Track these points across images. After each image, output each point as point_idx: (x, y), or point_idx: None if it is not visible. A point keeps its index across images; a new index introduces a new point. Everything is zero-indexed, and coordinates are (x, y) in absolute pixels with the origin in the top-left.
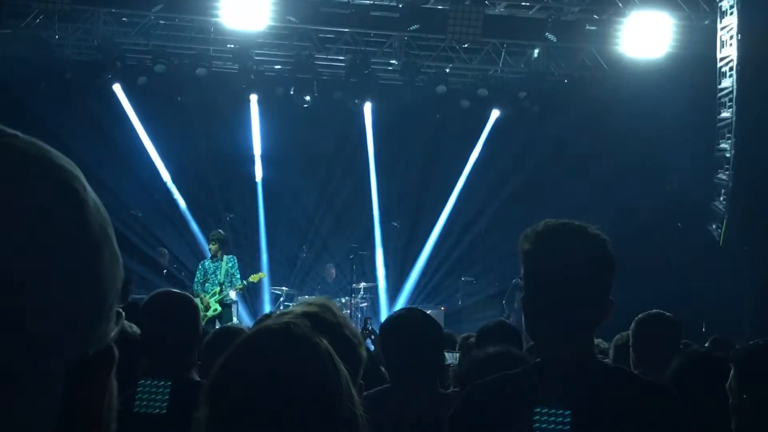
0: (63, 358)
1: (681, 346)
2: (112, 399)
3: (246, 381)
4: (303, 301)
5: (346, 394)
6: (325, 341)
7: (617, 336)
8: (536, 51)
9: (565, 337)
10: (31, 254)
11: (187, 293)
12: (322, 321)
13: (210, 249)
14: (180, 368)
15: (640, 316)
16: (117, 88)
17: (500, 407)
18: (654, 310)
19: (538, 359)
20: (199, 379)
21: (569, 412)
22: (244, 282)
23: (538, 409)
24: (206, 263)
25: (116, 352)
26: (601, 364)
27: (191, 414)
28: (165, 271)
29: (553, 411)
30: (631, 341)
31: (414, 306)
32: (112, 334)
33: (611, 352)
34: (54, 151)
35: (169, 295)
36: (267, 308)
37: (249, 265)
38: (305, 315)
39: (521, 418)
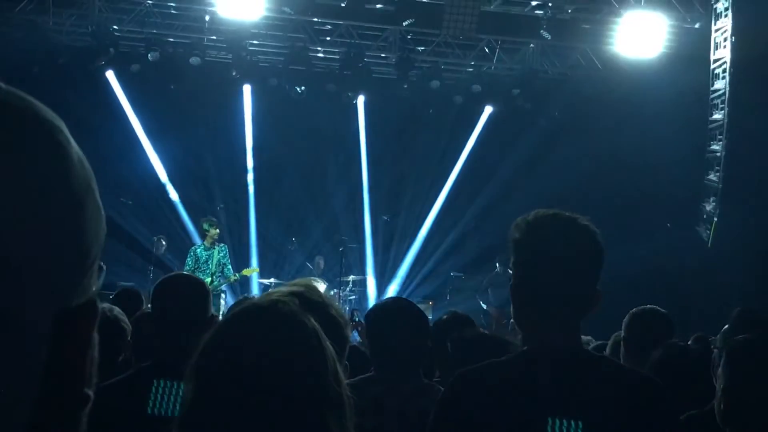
0: (47, 308)
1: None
2: (95, 352)
3: (231, 358)
4: (288, 283)
5: (332, 373)
6: (312, 319)
7: (616, 334)
8: (531, 48)
9: (552, 326)
10: (14, 204)
11: (198, 276)
12: (308, 300)
13: (210, 234)
14: (185, 351)
15: (633, 310)
16: (110, 74)
17: (488, 395)
18: (648, 306)
19: (525, 347)
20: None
21: (560, 402)
22: (237, 275)
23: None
24: (198, 250)
25: (99, 305)
26: (588, 353)
27: None
28: (153, 259)
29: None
30: (623, 335)
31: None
32: (94, 288)
33: (608, 349)
34: (38, 103)
35: (181, 277)
36: None
37: (238, 255)
38: (291, 294)
39: (509, 406)
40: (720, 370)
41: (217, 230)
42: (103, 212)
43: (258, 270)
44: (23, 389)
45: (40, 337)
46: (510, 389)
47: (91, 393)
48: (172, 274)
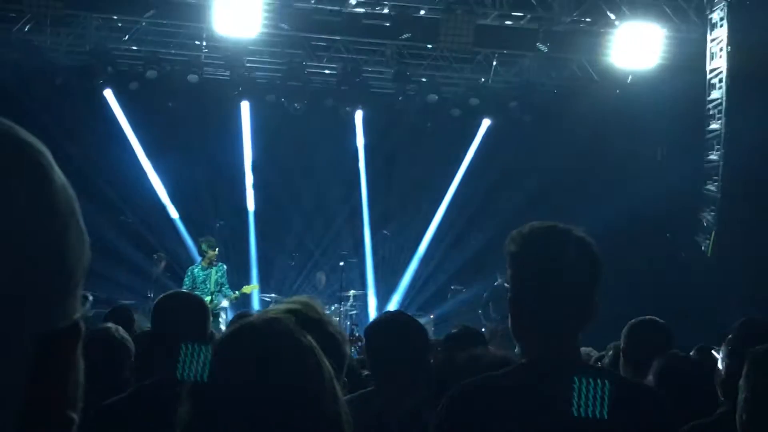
0: (29, 331)
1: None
2: (79, 375)
3: (228, 377)
4: (286, 300)
5: (329, 391)
6: (309, 337)
7: (615, 344)
8: (527, 60)
9: (550, 338)
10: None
11: (198, 295)
12: (306, 317)
13: (209, 256)
14: None
15: (632, 321)
16: (108, 93)
17: (487, 408)
18: (647, 317)
19: (523, 360)
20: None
21: (561, 414)
22: (237, 293)
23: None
24: (195, 270)
25: (83, 328)
26: (588, 365)
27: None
28: (155, 278)
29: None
30: (622, 345)
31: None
32: (79, 312)
33: (608, 360)
34: (20, 129)
35: (181, 295)
36: None
37: (238, 272)
38: (289, 312)
39: (509, 419)
40: (742, 380)
41: (215, 251)
42: (86, 236)
43: (258, 287)
44: (5, 412)
45: (22, 360)
46: (509, 402)
47: (75, 416)
48: (172, 292)
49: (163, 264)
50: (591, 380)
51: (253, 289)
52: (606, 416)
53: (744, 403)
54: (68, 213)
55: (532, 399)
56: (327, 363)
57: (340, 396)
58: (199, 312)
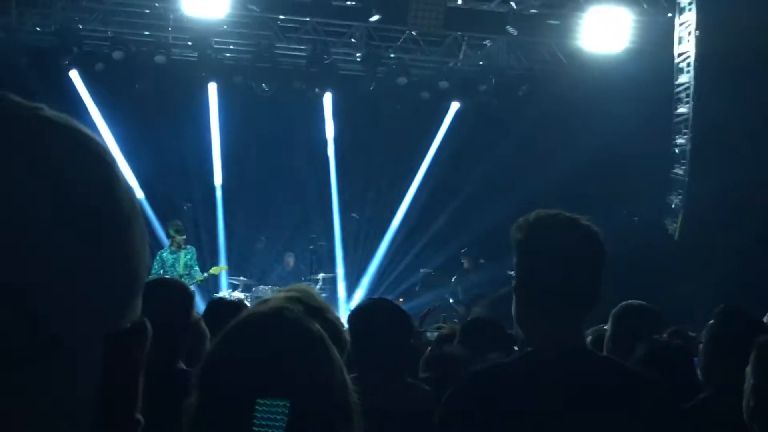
0: (101, 331)
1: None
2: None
3: (238, 367)
4: (282, 289)
5: (339, 380)
6: (317, 325)
7: (591, 329)
8: (497, 44)
9: (555, 326)
10: (71, 225)
11: (180, 280)
12: (307, 306)
13: (176, 241)
14: (168, 357)
15: (622, 304)
16: (74, 74)
17: (497, 395)
18: (635, 301)
19: (530, 348)
20: (185, 368)
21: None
22: (205, 274)
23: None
24: (164, 254)
25: (149, 329)
26: (592, 353)
27: (177, 404)
28: None
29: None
30: (609, 331)
31: (373, 297)
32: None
33: (590, 345)
34: (84, 127)
35: (162, 281)
36: None
37: (207, 254)
38: (290, 300)
39: (517, 405)
40: (749, 367)
41: (183, 236)
42: (147, 235)
43: (226, 268)
44: (78, 416)
45: (91, 362)
46: (518, 388)
47: (141, 418)
48: (152, 278)
49: None
50: (596, 369)
51: (221, 269)
52: (611, 405)
53: (752, 390)
54: (131, 210)
55: (538, 385)
56: (336, 352)
57: (350, 385)
58: (182, 297)
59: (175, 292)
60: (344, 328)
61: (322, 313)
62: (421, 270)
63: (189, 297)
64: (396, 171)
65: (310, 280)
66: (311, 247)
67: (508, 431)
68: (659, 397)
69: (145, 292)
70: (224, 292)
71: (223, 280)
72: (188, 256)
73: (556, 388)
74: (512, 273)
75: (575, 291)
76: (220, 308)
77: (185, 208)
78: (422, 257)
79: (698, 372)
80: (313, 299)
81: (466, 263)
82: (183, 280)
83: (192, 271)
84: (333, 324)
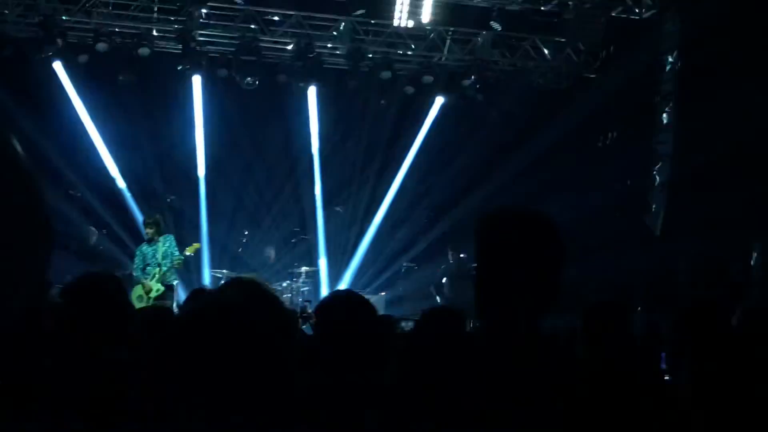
0: None
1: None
2: None
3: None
4: (233, 276)
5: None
6: (258, 311)
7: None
8: (480, 39)
9: (514, 317)
10: None
11: (112, 273)
12: (253, 293)
13: (147, 233)
14: (106, 349)
15: (589, 304)
16: (57, 66)
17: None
18: (605, 299)
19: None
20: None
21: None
22: (182, 257)
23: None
24: (143, 248)
25: None
26: (544, 341)
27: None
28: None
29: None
30: (581, 328)
31: (355, 291)
32: None
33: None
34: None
35: (92, 276)
36: None
37: (188, 245)
38: (236, 286)
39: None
40: None
41: (152, 229)
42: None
43: (200, 245)
44: None
45: None
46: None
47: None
48: (83, 274)
49: (94, 238)
50: (534, 352)
51: (196, 248)
52: (556, 394)
53: None
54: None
55: (486, 371)
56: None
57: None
58: (114, 290)
59: (104, 285)
60: (295, 317)
61: (272, 301)
62: (404, 263)
63: (120, 290)
64: (380, 164)
65: (292, 273)
66: (294, 240)
67: None
68: (606, 389)
69: (75, 287)
70: (206, 283)
71: (206, 272)
72: (167, 245)
73: (503, 375)
74: (474, 266)
75: (534, 284)
76: (200, 297)
77: (168, 200)
78: (406, 252)
79: None
80: (258, 287)
81: (451, 257)
82: (163, 266)
83: (172, 257)
84: (281, 312)
